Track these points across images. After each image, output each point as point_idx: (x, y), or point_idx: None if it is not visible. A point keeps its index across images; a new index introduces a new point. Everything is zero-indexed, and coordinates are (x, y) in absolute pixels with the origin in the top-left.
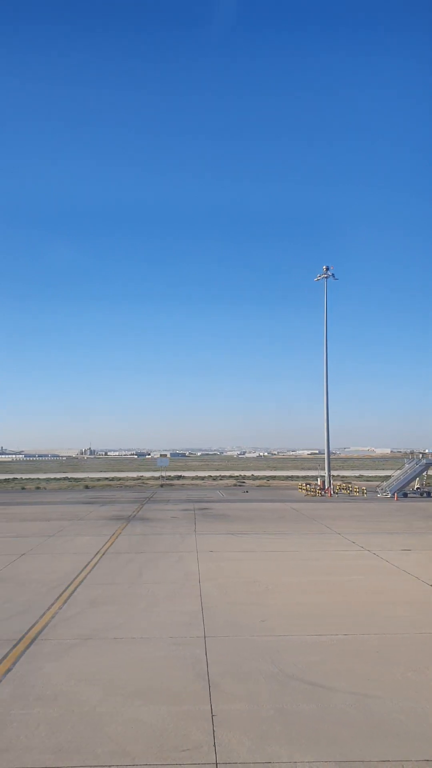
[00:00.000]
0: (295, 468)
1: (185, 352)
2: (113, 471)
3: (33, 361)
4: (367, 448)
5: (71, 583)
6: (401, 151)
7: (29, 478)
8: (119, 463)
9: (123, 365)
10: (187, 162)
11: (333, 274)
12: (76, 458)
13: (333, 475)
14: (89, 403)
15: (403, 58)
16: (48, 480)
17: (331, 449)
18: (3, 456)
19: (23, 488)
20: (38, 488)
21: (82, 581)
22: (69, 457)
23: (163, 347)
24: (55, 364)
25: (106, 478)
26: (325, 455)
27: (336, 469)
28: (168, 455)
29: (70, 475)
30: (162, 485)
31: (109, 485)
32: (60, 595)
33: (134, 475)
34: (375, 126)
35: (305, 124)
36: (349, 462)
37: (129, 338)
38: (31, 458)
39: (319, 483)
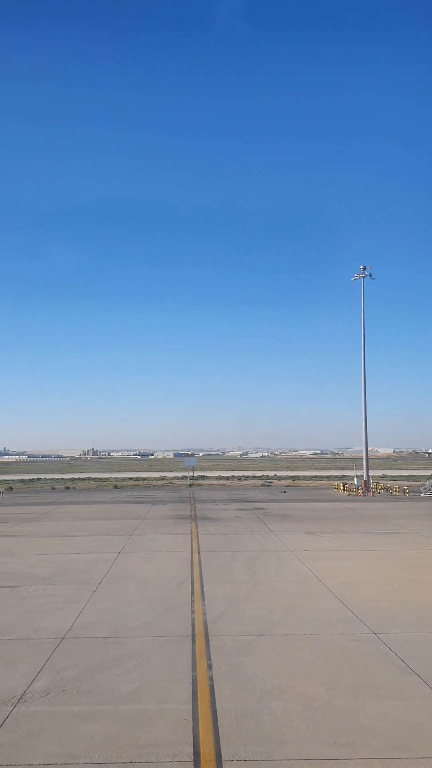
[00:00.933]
0: (306, 468)
1: (186, 353)
2: (125, 471)
3: (34, 361)
4: (371, 448)
5: (192, 580)
6: (401, 151)
7: (55, 479)
8: (129, 464)
9: (124, 365)
10: (187, 162)
11: (370, 274)
12: (79, 459)
13: (359, 475)
14: (90, 403)
15: (403, 58)
16: (72, 480)
17: (333, 449)
18: (6, 457)
19: (53, 488)
20: (67, 488)
21: (201, 578)
22: (72, 458)
23: (164, 347)
24: (56, 365)
25: (130, 478)
26: (364, 455)
27: (350, 469)
28: (194, 455)
29: (93, 475)
30: (191, 485)
31: (137, 485)
32: (192, 592)
33: (156, 475)
34: (375, 126)
35: (305, 125)
36: (359, 462)
37: (130, 339)
38: (35, 459)
39: (357, 483)
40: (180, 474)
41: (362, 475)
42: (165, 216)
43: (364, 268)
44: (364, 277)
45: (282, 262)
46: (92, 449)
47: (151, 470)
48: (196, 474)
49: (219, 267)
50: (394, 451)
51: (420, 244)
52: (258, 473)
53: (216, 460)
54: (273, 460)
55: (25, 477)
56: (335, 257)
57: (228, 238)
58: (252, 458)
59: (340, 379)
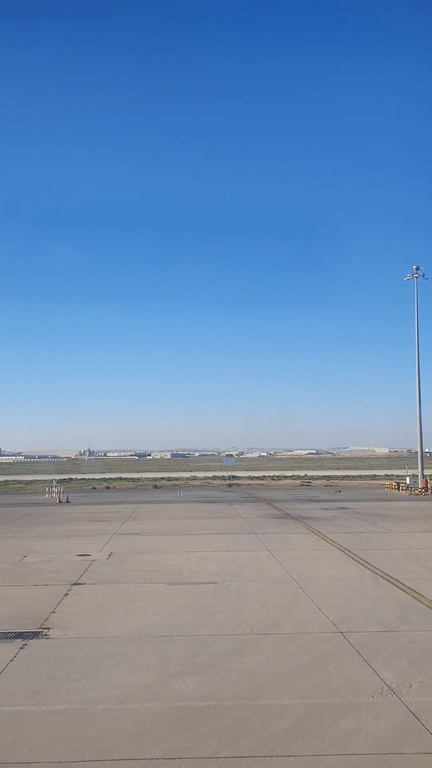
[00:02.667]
0: (301, 468)
1: (181, 353)
2: (137, 472)
3: (29, 361)
4: (367, 448)
5: (383, 578)
6: (399, 151)
7: (77, 479)
8: (135, 464)
9: (119, 366)
10: (187, 162)
11: (423, 274)
12: (76, 459)
13: (411, 475)
14: (85, 403)
15: (403, 58)
16: (107, 480)
17: (329, 449)
18: (3, 457)
19: (93, 488)
20: (108, 488)
21: (388, 578)
22: (69, 458)
23: (159, 348)
24: (51, 365)
25: (162, 478)
26: (419, 454)
27: (359, 469)
28: (232, 455)
29: (124, 475)
30: (230, 485)
31: (176, 485)
32: (404, 589)
33: (187, 474)
34: (373, 127)
35: (305, 125)
36: (367, 462)
37: (126, 339)
38: (32, 459)
39: (409, 482)
40: (196, 474)
41: (416, 475)
42: (164, 216)
43: (417, 268)
44: (417, 278)
45: (280, 262)
46: (88, 450)
47: (164, 470)
48: (226, 474)
49: (217, 267)
50: (389, 451)
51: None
52: (287, 473)
53: (215, 460)
54: (271, 460)
55: (39, 477)
56: (334, 257)
57: (226, 238)
58: (250, 458)
59: (334, 380)
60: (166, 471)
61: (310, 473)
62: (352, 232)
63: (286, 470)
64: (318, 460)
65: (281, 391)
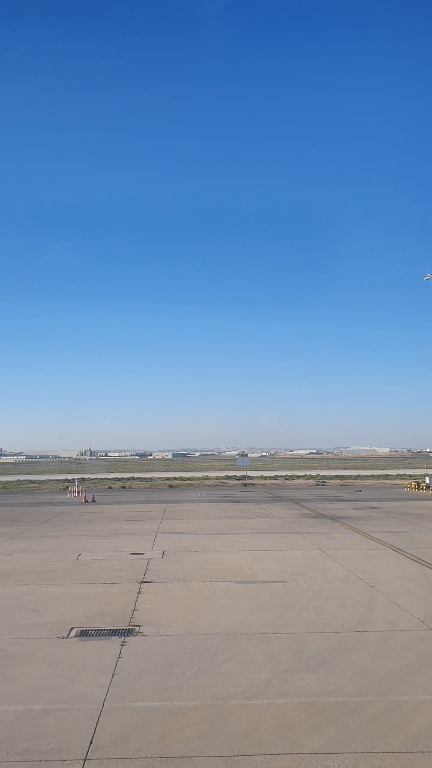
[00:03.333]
0: (307, 468)
1: (181, 354)
2: (145, 471)
3: (30, 362)
4: (368, 448)
5: None
6: (399, 152)
7: (103, 479)
8: (140, 464)
9: (119, 366)
10: (187, 163)
11: None
12: (77, 459)
13: (393, 474)
14: (85, 404)
15: (403, 58)
16: (120, 480)
17: (329, 449)
18: (4, 458)
19: (109, 488)
20: (123, 488)
21: None
22: (70, 458)
23: (159, 348)
24: (51, 366)
25: (175, 478)
26: None
27: (366, 469)
28: (246, 455)
29: (136, 475)
30: (245, 485)
31: (191, 484)
32: None
33: (199, 474)
34: (371, 127)
35: (304, 126)
36: (372, 462)
37: (126, 339)
38: (33, 459)
39: (428, 481)
40: (208, 473)
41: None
42: (163, 216)
43: None
44: None
45: (280, 262)
46: (89, 450)
47: (173, 470)
48: (238, 474)
49: (217, 267)
50: (390, 451)
51: (418, 243)
52: (298, 473)
53: (217, 460)
54: (273, 461)
55: (47, 477)
56: (333, 257)
57: (226, 238)
58: (251, 458)
59: (337, 379)
60: (174, 471)
61: (321, 473)
62: (349, 232)
63: (293, 470)
64: (322, 459)
65: (280, 391)
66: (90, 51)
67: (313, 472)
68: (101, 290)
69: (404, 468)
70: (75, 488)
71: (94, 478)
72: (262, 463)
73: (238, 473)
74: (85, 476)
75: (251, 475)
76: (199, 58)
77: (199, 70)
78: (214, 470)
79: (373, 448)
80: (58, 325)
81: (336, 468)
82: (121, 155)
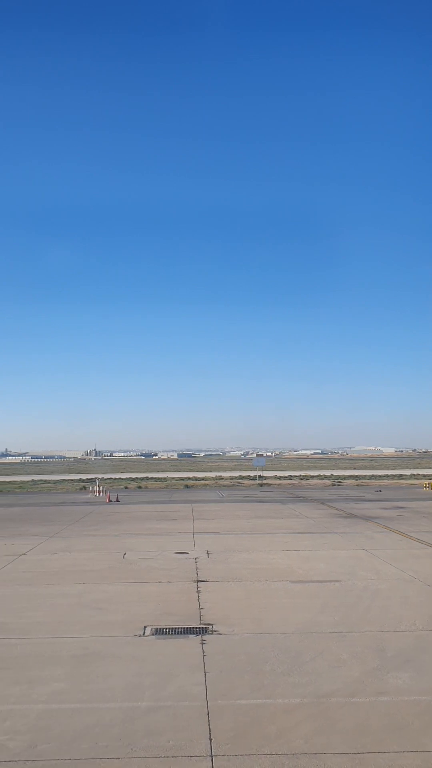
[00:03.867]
0: (316, 468)
1: (186, 354)
2: (155, 472)
3: (35, 362)
4: (373, 448)
5: None
6: (399, 151)
7: (117, 479)
8: (147, 464)
9: (123, 366)
10: (186, 163)
11: None
12: (83, 459)
13: (407, 474)
14: (89, 404)
15: (403, 58)
16: (135, 480)
17: (334, 449)
18: (9, 458)
19: (126, 488)
20: (139, 487)
21: None
22: (75, 459)
23: (163, 348)
24: (56, 366)
25: (189, 478)
26: None
27: (375, 469)
28: (263, 455)
29: (150, 475)
30: (261, 485)
31: (207, 484)
32: None
33: (212, 474)
34: (372, 127)
35: (303, 126)
36: (380, 462)
37: (129, 339)
38: (39, 459)
39: None
40: (221, 473)
41: None
42: (165, 216)
43: None
44: None
45: (282, 262)
46: (94, 450)
47: (176, 471)
48: (252, 474)
49: (219, 267)
50: (395, 451)
51: (420, 243)
52: (311, 473)
53: (224, 460)
54: (282, 460)
55: (58, 477)
56: (336, 256)
57: (227, 238)
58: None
59: (339, 379)
60: (185, 471)
61: (334, 473)
62: (350, 232)
63: (302, 470)
64: (329, 460)
65: (283, 391)
66: (89, 51)
67: (327, 472)
68: (104, 290)
69: (414, 468)
70: (95, 488)
71: (108, 478)
72: (270, 463)
73: (252, 473)
74: (99, 476)
75: (265, 475)
76: (200, 58)
77: (199, 70)
78: (224, 470)
79: (378, 448)
80: (60, 326)
81: (345, 468)
82: (120, 155)
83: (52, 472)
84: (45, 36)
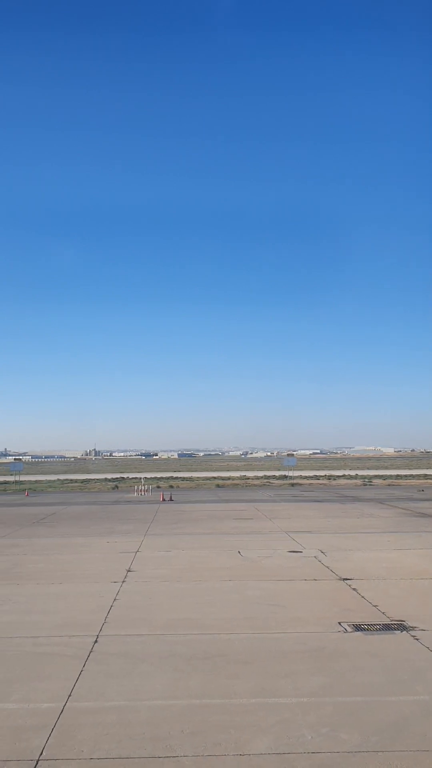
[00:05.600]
0: (325, 468)
1: (185, 353)
2: (162, 471)
3: (32, 362)
4: (373, 448)
5: None
6: (405, 150)
7: (141, 478)
8: (155, 465)
9: (123, 366)
10: (190, 164)
11: None
12: (83, 459)
13: (428, 474)
14: (88, 403)
15: (404, 58)
16: (158, 479)
17: (333, 449)
18: (9, 458)
19: (158, 487)
20: (171, 486)
21: None
22: (75, 458)
23: (161, 348)
24: (54, 366)
25: (214, 477)
26: None
27: (386, 469)
28: (293, 455)
29: (174, 475)
30: (292, 485)
31: (237, 484)
32: None
33: (237, 474)
34: (378, 126)
35: (307, 126)
36: (388, 461)
37: (129, 339)
38: (39, 459)
39: None
40: (245, 473)
41: None
42: (166, 217)
43: None
44: None
45: (283, 262)
46: (94, 450)
47: (198, 469)
48: (277, 473)
49: (221, 267)
50: (395, 451)
51: (423, 243)
52: (335, 473)
53: (226, 460)
54: (281, 460)
55: (89, 477)
56: (336, 256)
57: (229, 238)
58: (257, 458)
59: (339, 379)
60: (199, 470)
61: (360, 473)
62: (353, 232)
63: (313, 471)
64: (336, 459)
65: (282, 391)
66: (92, 51)
67: (351, 472)
68: (104, 290)
69: (425, 468)
70: (141, 487)
71: (133, 478)
72: (272, 462)
73: (277, 473)
74: (126, 476)
75: (291, 474)
76: (201, 58)
77: (201, 70)
78: (232, 470)
79: (378, 448)
80: (59, 325)
81: (356, 468)
82: (124, 156)
83: (66, 472)
84: (46, 36)
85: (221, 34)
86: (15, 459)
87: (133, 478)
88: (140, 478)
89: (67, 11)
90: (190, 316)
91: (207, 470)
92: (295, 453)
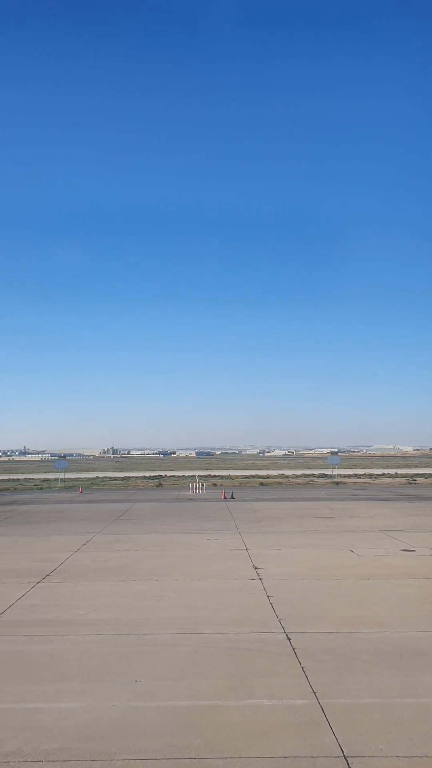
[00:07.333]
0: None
1: (200, 354)
2: (181, 470)
3: (52, 362)
4: (392, 446)
5: None
6: (406, 152)
7: (181, 476)
8: (184, 463)
9: (137, 366)
10: (192, 165)
11: None
12: (101, 458)
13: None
14: (104, 403)
15: (403, 59)
16: (206, 477)
17: (350, 447)
18: (29, 456)
19: (202, 485)
20: (214, 485)
21: None
22: (93, 457)
23: (176, 348)
24: (73, 366)
25: (252, 476)
26: None
27: (411, 467)
28: (337, 453)
29: (211, 473)
30: (336, 483)
31: (280, 483)
32: None
33: (276, 473)
34: (376, 128)
35: (308, 126)
36: (411, 460)
37: (145, 340)
38: (57, 457)
39: None
40: (282, 471)
41: None
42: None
43: None
44: None
45: (288, 260)
46: (112, 448)
47: (215, 468)
48: (316, 472)
49: (227, 266)
50: (413, 450)
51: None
52: (374, 471)
53: (246, 459)
54: (299, 459)
55: (127, 474)
56: (339, 258)
57: (238, 239)
58: (276, 457)
59: (354, 378)
60: (225, 469)
61: (399, 471)
62: (355, 232)
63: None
64: (359, 458)
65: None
66: (94, 53)
67: (390, 471)
68: (112, 291)
69: None
70: (195, 485)
71: (171, 476)
72: (290, 461)
73: (316, 471)
74: (166, 473)
75: (328, 473)
76: (203, 59)
77: (203, 71)
78: (263, 468)
79: (397, 446)
80: (69, 324)
81: (380, 466)
82: (126, 157)
83: (91, 470)
84: (47, 38)
85: (223, 36)
86: (58, 457)
87: (171, 476)
88: (195, 477)
89: (69, 13)
90: (193, 315)
91: (232, 468)
92: (312, 450)
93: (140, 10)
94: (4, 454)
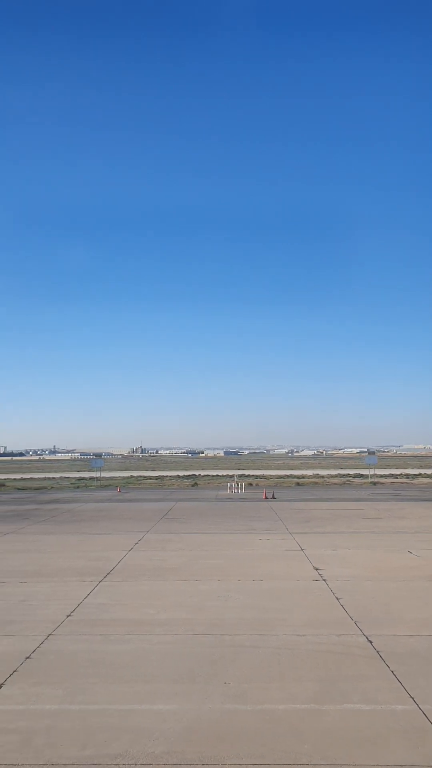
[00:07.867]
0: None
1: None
2: (222, 468)
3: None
4: (422, 446)
5: None
6: (413, 152)
7: (216, 476)
8: (214, 462)
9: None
10: (198, 163)
11: None
12: (130, 457)
13: None
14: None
15: (404, 59)
16: (243, 476)
17: (378, 447)
18: (59, 455)
19: (250, 484)
20: (250, 485)
21: None
22: (123, 456)
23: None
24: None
25: (288, 476)
26: None
27: None
28: (374, 453)
29: (245, 473)
30: (374, 483)
31: (317, 483)
32: None
33: (310, 473)
34: (381, 128)
35: (315, 126)
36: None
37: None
38: (87, 457)
39: None
40: (310, 471)
41: None
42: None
43: None
44: None
45: (303, 259)
46: (140, 447)
47: (241, 468)
48: (351, 472)
49: (239, 267)
50: None
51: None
52: (412, 472)
53: (275, 458)
54: (329, 459)
55: (160, 474)
56: (344, 258)
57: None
58: (305, 456)
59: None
60: (258, 469)
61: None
62: (360, 232)
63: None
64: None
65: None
66: (99, 52)
67: (427, 471)
68: (115, 290)
69: None
70: (234, 484)
71: (206, 475)
72: (321, 461)
73: (352, 471)
74: (199, 473)
75: (363, 473)
76: (209, 59)
77: (207, 71)
78: (291, 468)
79: (428, 446)
80: (66, 324)
81: (414, 467)
82: (132, 156)
83: (125, 469)
84: (50, 37)
85: (226, 36)
86: (93, 456)
87: (205, 476)
88: (233, 476)
89: (73, 12)
90: (206, 315)
91: (264, 468)
92: (342, 450)
93: (142, 9)
94: (35, 453)
